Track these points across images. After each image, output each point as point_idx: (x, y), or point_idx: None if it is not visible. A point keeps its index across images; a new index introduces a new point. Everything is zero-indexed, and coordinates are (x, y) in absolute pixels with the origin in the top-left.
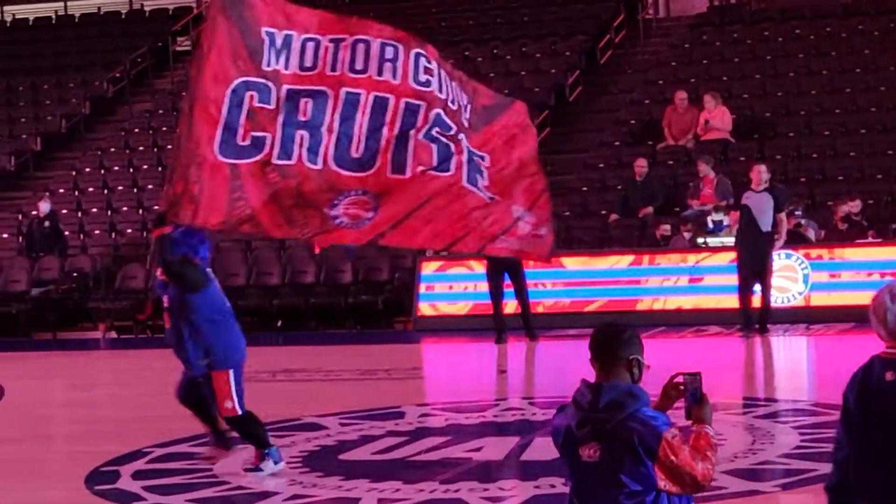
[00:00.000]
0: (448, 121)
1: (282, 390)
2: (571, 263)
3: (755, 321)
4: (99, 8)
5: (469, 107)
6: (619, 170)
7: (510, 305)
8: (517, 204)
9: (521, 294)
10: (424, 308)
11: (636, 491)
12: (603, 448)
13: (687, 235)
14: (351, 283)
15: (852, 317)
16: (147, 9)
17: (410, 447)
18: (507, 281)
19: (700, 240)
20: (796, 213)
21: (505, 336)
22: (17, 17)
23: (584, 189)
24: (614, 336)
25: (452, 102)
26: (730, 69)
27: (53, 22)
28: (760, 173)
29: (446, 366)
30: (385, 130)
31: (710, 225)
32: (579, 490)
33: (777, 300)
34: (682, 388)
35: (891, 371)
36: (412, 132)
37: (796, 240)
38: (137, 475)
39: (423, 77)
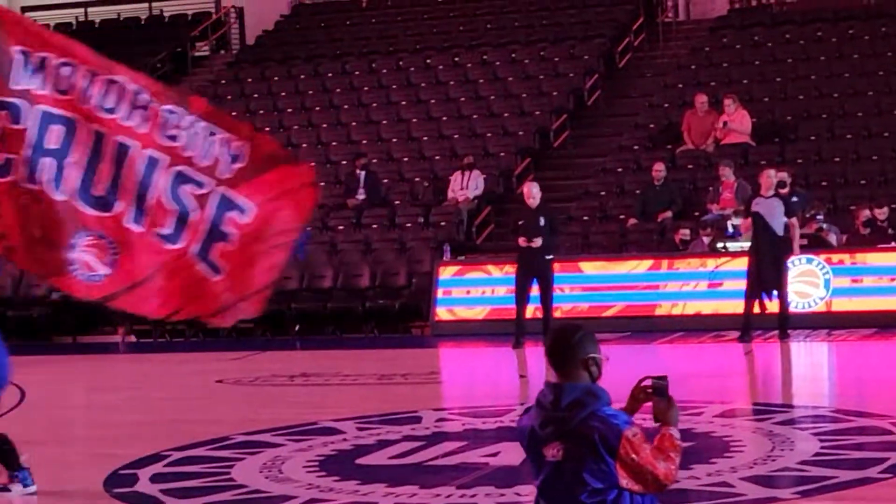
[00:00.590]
0: (197, 177)
1: (299, 394)
2: (590, 268)
3: (772, 328)
4: (119, 14)
5: (240, 157)
6: (638, 174)
7: (528, 311)
8: (232, 293)
9: (547, 301)
10: (442, 312)
11: (598, 489)
12: (566, 447)
13: (706, 240)
14: (368, 287)
15: (874, 322)
16: (166, 14)
17: (427, 452)
18: (534, 286)
19: (720, 244)
20: (817, 217)
21: (523, 341)
22: (37, 23)
23: (603, 193)
24: (567, 339)
25: (205, 157)
26: (750, 72)
27: (74, 28)
28: (769, 178)
29: (463, 370)
30: (124, 176)
31: (730, 229)
32: (544, 489)
33: (798, 305)
34: (649, 391)
35: None
36: (154, 186)
37: (818, 244)
38: (156, 478)
39: (170, 131)
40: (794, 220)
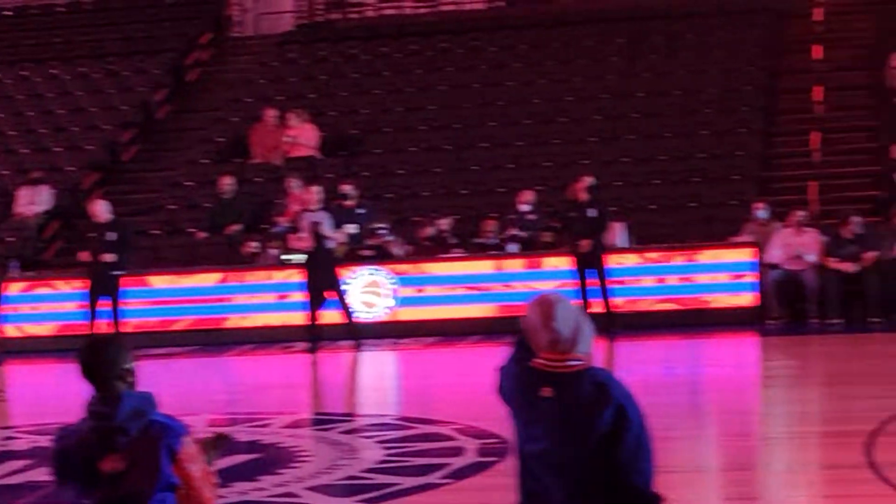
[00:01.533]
0: None
1: None
2: (158, 282)
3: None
4: None
5: None
6: (208, 188)
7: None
8: None
9: (115, 315)
10: (9, 329)
11: (162, 496)
12: (127, 457)
13: (274, 252)
14: None
15: (439, 330)
16: None
17: None
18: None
19: (285, 256)
20: (379, 232)
21: None
22: None
23: (173, 207)
24: (102, 354)
25: None
26: (317, 87)
27: None
28: (314, 194)
29: (31, 388)
30: None
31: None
32: None
33: (365, 315)
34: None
35: (547, 387)
36: None
37: (383, 256)
38: None
39: None
40: (344, 228)
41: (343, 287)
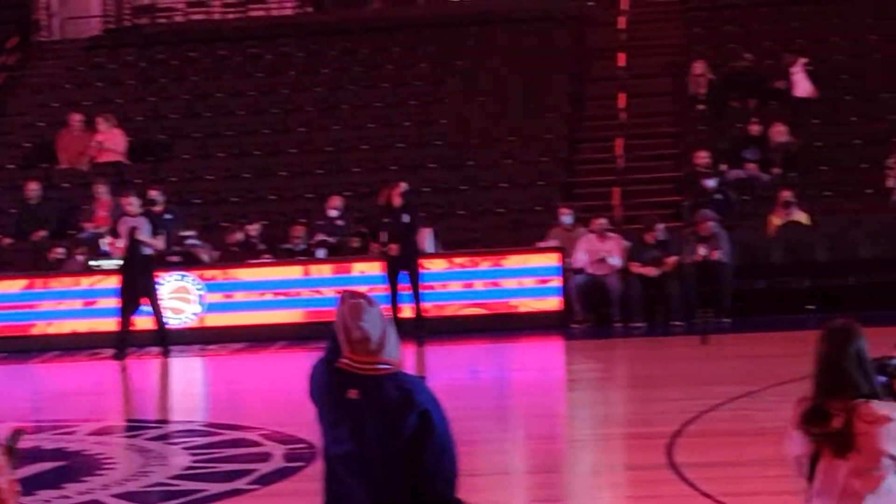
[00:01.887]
0: None
1: None
2: None
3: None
4: None
5: None
6: (14, 193)
7: None
8: None
9: None
10: None
11: None
12: None
13: (81, 258)
14: None
15: (246, 336)
16: None
17: None
18: None
19: (93, 263)
20: (189, 240)
21: None
22: None
23: None
24: None
25: None
26: (124, 92)
27: None
28: (132, 199)
29: None
30: None
31: (104, 248)
32: None
33: (173, 322)
34: None
35: (354, 389)
36: None
37: (190, 261)
38: None
39: None
40: (159, 235)
41: (158, 293)
